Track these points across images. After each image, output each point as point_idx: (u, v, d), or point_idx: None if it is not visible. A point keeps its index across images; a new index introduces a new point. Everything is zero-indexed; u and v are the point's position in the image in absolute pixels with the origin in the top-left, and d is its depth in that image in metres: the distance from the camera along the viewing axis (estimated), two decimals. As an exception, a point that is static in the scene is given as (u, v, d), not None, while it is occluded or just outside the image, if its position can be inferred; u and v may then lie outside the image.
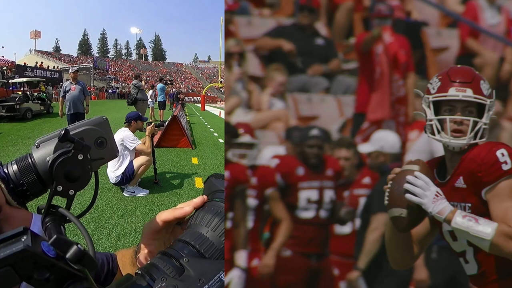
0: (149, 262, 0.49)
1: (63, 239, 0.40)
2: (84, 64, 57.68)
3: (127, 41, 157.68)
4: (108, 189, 5.09)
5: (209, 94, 64.63)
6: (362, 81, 2.34)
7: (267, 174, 2.10)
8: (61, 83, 22.40)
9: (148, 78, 69.54)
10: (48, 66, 47.74)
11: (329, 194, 2.12)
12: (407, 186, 1.17)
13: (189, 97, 54.26)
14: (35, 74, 35.58)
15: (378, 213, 2.02)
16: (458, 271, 1.41)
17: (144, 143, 5.09)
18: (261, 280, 2.05)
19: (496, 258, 1.15)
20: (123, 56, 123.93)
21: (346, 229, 2.15)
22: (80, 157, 0.53)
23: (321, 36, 2.46)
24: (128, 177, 4.86)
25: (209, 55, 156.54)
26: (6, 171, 0.57)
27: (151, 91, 14.65)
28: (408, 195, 1.17)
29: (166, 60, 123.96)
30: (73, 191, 0.54)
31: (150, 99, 13.88)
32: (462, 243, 1.20)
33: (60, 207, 0.55)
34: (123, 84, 62.45)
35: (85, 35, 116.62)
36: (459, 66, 1.27)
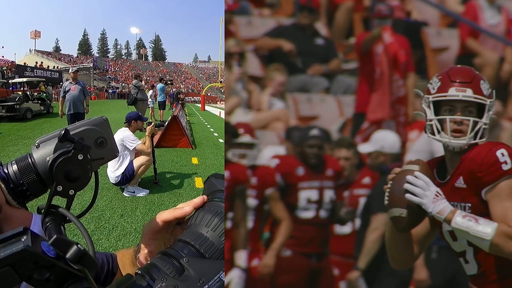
0: (149, 262, 0.49)
1: (63, 239, 0.40)
2: (84, 64, 57.64)
3: (127, 41, 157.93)
4: (108, 189, 5.09)
5: (209, 94, 64.62)
6: (362, 81, 2.34)
7: (267, 174, 2.10)
8: (61, 83, 22.39)
9: (148, 78, 69.52)
10: (48, 66, 47.73)
11: (329, 194, 2.12)
12: (407, 186, 1.17)
13: (189, 97, 54.24)
14: (35, 74, 35.56)
15: (378, 213, 2.02)
16: (458, 271, 1.41)
17: (144, 143, 5.09)
18: (261, 280, 2.05)
19: (496, 258, 1.15)
20: (123, 56, 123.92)
21: (346, 229, 2.15)
22: (80, 157, 0.53)
23: (321, 36, 2.46)
24: (128, 177, 4.86)
25: (209, 55, 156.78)
26: (6, 171, 0.57)
27: (151, 91, 14.65)
28: (408, 195, 1.17)
29: (166, 60, 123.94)
30: (73, 191, 0.54)
31: (150, 99, 13.88)
32: (462, 243, 1.20)
33: (60, 207, 0.55)
34: (123, 84, 62.44)
35: (85, 35, 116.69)
36: (459, 66, 1.27)
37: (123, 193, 4.99)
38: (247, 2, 2.56)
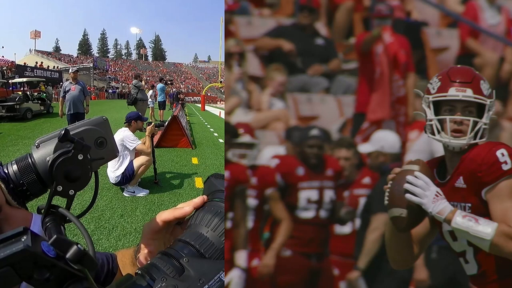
0: (149, 262, 0.49)
1: (63, 239, 0.40)
2: (84, 64, 57.59)
3: (127, 41, 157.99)
4: (108, 189, 5.09)
5: (209, 94, 64.62)
6: (362, 81, 2.34)
7: (267, 174, 2.10)
8: (61, 83, 22.40)
9: (148, 78, 69.47)
10: (48, 66, 47.73)
11: (329, 194, 2.12)
12: (407, 186, 1.17)
13: (189, 97, 54.26)
14: (35, 74, 35.57)
15: (378, 213, 2.02)
16: (458, 271, 1.41)
17: (144, 143, 5.09)
18: (261, 280, 2.05)
19: (496, 258, 1.15)
20: (123, 56, 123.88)
21: (346, 229, 2.15)
22: (80, 157, 0.53)
23: (321, 36, 2.46)
24: (128, 177, 4.86)
25: (209, 55, 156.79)
26: (6, 171, 0.57)
27: (151, 91, 14.64)
28: (408, 195, 1.17)
29: (166, 60, 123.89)
30: (73, 191, 0.54)
31: (150, 99, 13.87)
32: (462, 243, 1.20)
33: (60, 207, 0.55)
34: (123, 84, 62.42)
35: (85, 35, 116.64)
36: (459, 66, 1.27)
37: (123, 193, 4.99)
38: (247, 2, 2.56)
